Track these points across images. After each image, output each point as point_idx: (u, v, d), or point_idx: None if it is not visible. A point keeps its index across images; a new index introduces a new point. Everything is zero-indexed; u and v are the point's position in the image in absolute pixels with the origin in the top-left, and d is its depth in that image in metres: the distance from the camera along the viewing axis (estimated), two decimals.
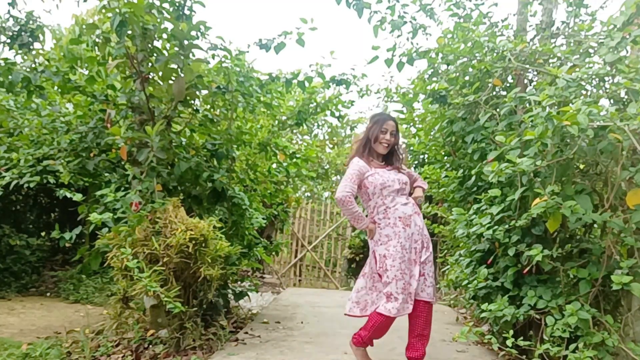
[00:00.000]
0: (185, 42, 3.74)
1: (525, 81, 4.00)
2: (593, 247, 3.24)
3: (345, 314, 3.38)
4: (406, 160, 3.39)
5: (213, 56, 4.24)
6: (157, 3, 3.72)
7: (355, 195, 3.29)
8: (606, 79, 3.17)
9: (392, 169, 3.38)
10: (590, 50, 3.47)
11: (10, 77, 3.89)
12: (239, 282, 5.44)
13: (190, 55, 3.82)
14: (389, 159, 3.43)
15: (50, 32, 6.42)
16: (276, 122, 5.60)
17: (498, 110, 3.59)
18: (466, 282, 4.08)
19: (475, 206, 3.91)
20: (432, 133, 4.81)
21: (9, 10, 4.95)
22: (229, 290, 4.88)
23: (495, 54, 3.77)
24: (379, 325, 3.18)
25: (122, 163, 4.17)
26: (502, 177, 3.02)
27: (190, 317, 3.88)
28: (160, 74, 3.84)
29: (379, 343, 4.15)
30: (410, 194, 3.42)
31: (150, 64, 3.89)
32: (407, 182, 3.36)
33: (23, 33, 4.89)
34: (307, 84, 4.75)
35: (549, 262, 3.16)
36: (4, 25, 4.87)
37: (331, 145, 13.21)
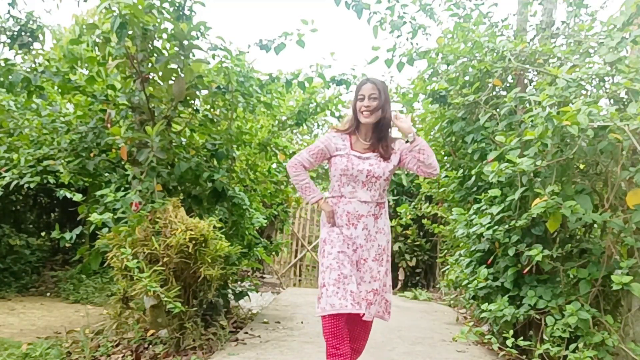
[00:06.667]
0: (186, 42, 3.74)
1: (525, 81, 4.00)
2: (593, 247, 3.24)
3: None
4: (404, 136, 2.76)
5: (213, 56, 4.25)
6: (157, 3, 3.72)
7: (305, 166, 2.79)
8: (606, 79, 3.17)
9: (377, 155, 2.75)
10: (590, 50, 3.47)
11: (10, 77, 3.89)
12: (239, 282, 5.44)
13: (191, 55, 3.82)
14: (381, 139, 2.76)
15: (50, 32, 6.42)
16: (276, 122, 5.61)
17: (498, 110, 3.59)
18: (466, 282, 4.08)
19: (475, 206, 3.91)
20: (432, 133, 4.81)
21: (9, 10, 4.94)
22: (229, 290, 4.88)
23: (495, 54, 3.78)
24: (328, 330, 2.57)
25: (122, 163, 4.18)
26: (502, 177, 3.03)
27: (190, 317, 3.88)
28: (160, 74, 3.84)
29: (379, 343, 4.16)
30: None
31: (150, 64, 3.89)
32: (384, 176, 2.72)
33: (23, 33, 4.88)
34: (307, 85, 4.75)
35: (549, 262, 3.17)
36: (4, 25, 4.86)
37: None
